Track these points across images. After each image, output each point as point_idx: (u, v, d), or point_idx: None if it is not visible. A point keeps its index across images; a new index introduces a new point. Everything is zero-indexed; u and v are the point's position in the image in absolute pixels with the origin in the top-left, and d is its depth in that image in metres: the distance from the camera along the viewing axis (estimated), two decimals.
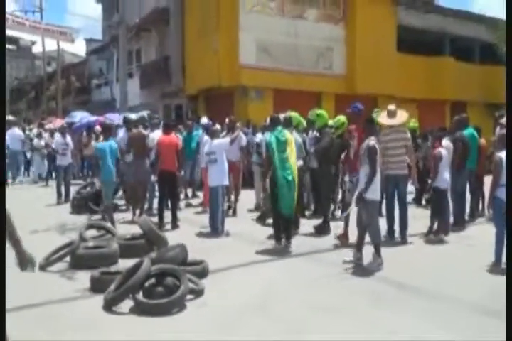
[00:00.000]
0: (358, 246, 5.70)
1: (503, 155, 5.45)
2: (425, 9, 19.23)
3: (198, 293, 4.56)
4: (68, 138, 11.37)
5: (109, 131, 8.45)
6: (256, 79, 14.77)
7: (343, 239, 6.51)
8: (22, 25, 15.94)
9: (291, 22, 15.67)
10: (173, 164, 7.83)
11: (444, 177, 6.89)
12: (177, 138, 8.76)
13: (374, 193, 5.55)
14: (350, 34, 16.85)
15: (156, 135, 8.56)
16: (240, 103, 15.23)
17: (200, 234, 7.27)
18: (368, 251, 5.65)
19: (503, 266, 5.49)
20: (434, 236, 6.93)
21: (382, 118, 7.01)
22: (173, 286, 4.40)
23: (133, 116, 9.89)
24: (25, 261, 3.00)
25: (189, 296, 4.44)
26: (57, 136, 11.64)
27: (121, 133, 9.18)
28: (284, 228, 6.38)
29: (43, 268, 5.48)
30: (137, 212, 8.22)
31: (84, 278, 5.12)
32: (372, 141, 5.59)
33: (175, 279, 4.49)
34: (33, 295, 4.62)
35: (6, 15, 15.74)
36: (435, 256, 6.25)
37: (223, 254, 6.09)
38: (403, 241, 6.84)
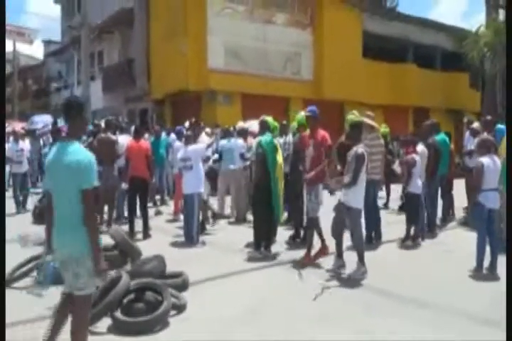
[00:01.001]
0: (339, 254, 5.57)
1: (484, 160, 5.47)
2: (389, 16, 19.60)
3: (180, 307, 4.30)
4: (23, 144, 10.61)
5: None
6: (224, 83, 14.57)
7: (305, 259, 5.91)
8: None
9: (260, 26, 15.58)
10: (144, 170, 7.49)
11: (418, 182, 6.92)
12: (147, 143, 8.40)
13: (358, 201, 5.41)
14: (317, 39, 16.90)
15: (124, 140, 8.25)
16: (208, 107, 14.99)
17: (175, 244, 6.98)
18: (349, 258, 5.53)
19: (484, 271, 5.52)
20: (412, 241, 6.92)
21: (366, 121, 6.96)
22: (155, 302, 4.13)
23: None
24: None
25: (171, 312, 4.19)
26: (10, 142, 10.66)
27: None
28: (267, 235, 6.19)
29: (7, 284, 5.08)
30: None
31: (55, 294, 4.76)
32: (360, 148, 5.36)
33: (155, 294, 4.23)
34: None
35: None
36: (414, 262, 6.21)
37: (201, 265, 5.82)
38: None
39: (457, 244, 7.05)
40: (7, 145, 10.39)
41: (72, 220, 2.94)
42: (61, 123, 12.63)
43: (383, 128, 10.98)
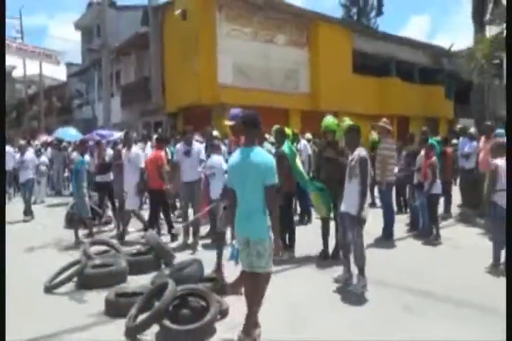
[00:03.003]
0: (346, 267, 4.60)
1: (499, 162, 5.04)
2: (374, 36, 19.36)
3: (223, 312, 3.80)
4: (28, 155, 9.50)
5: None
6: (232, 98, 14.17)
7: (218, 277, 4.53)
8: (8, 47, 14.60)
9: (263, 46, 15.24)
10: (158, 181, 6.62)
11: (439, 183, 6.51)
12: (159, 153, 7.09)
13: (366, 210, 4.34)
14: (313, 57, 16.58)
15: (137, 151, 7.34)
16: (218, 119, 14.49)
17: (205, 246, 6.40)
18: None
19: (502, 266, 5.07)
20: (436, 239, 6.43)
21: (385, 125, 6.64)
22: (200, 307, 3.64)
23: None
24: None
25: None
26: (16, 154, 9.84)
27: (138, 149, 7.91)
28: (292, 238, 5.69)
29: (48, 290, 4.57)
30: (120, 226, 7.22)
31: (95, 299, 4.26)
32: (363, 151, 4.44)
33: (199, 298, 3.73)
34: (43, 324, 3.73)
35: None
36: (432, 259, 5.74)
37: (233, 267, 5.32)
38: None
39: (463, 240, 6.61)
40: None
41: (259, 210, 3.14)
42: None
43: (372, 135, 10.63)
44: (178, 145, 6.95)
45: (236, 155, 3.29)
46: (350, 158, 4.50)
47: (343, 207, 4.48)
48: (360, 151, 4.41)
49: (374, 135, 10.57)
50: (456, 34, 76.73)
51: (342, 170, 4.72)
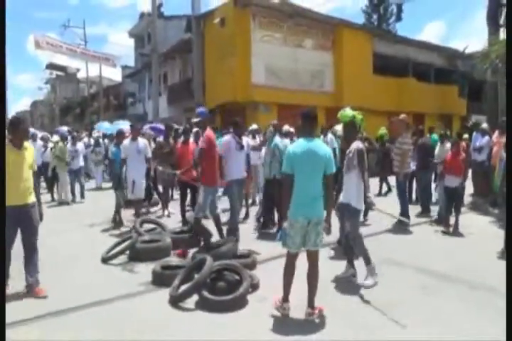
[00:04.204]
0: (349, 263, 4.08)
1: None
2: (393, 40, 18.59)
3: (254, 286, 3.75)
4: (79, 145, 9.75)
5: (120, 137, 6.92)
6: (264, 96, 14.02)
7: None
8: (74, 52, 14.93)
9: (292, 49, 14.82)
10: (191, 173, 5.98)
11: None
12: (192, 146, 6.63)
13: (359, 201, 3.88)
14: (337, 59, 16.04)
15: (145, 141, 6.75)
16: (251, 115, 14.39)
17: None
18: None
19: None
20: (456, 228, 6.01)
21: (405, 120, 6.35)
22: (234, 281, 3.60)
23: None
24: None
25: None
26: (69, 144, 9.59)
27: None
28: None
29: (105, 261, 4.66)
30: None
31: (144, 270, 4.31)
32: (360, 144, 3.96)
33: (233, 273, 3.69)
34: (100, 290, 3.80)
35: (63, 44, 14.73)
36: (447, 244, 5.49)
37: (262, 245, 5.27)
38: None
39: (474, 227, 6.29)
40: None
41: (320, 194, 3.14)
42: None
43: (382, 130, 10.24)
44: (228, 138, 5.51)
45: (300, 145, 3.16)
46: (347, 151, 3.99)
47: (342, 198, 4.01)
48: (358, 144, 3.94)
49: (382, 130, 10.23)
50: (469, 39, 72.89)
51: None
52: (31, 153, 3.73)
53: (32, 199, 3.67)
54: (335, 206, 4.02)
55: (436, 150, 7.34)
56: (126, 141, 6.37)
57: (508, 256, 4.09)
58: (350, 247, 4.04)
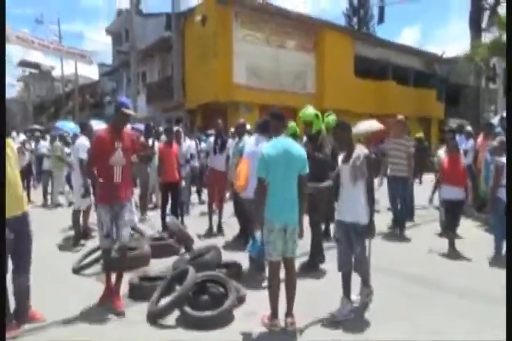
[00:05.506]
0: (346, 296, 3.28)
1: (503, 159, 4.62)
2: (375, 43, 18.71)
3: (240, 299, 3.46)
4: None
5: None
6: (246, 96, 13.80)
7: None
8: (46, 47, 14.20)
9: (274, 50, 14.67)
10: (175, 174, 5.94)
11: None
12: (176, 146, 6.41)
13: (363, 215, 3.17)
14: (319, 61, 16.02)
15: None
16: (232, 116, 14.11)
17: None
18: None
19: (503, 257, 4.68)
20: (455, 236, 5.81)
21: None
22: (218, 294, 3.31)
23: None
24: None
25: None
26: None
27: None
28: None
29: (76, 272, 4.27)
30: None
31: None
32: (364, 149, 3.25)
33: (217, 284, 3.40)
34: (70, 304, 3.42)
35: (33, 39, 14.00)
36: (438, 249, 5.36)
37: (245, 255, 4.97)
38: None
39: (463, 231, 6.17)
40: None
41: (296, 198, 2.96)
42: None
43: (418, 134, 10.24)
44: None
45: (274, 147, 2.94)
46: (352, 158, 3.18)
47: (345, 217, 3.19)
48: (362, 149, 3.22)
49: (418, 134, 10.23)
50: (445, 44, 74.99)
51: (320, 168, 3.94)
52: (14, 151, 3.18)
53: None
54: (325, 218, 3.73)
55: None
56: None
57: (508, 256, 4.03)
58: (349, 274, 3.30)
